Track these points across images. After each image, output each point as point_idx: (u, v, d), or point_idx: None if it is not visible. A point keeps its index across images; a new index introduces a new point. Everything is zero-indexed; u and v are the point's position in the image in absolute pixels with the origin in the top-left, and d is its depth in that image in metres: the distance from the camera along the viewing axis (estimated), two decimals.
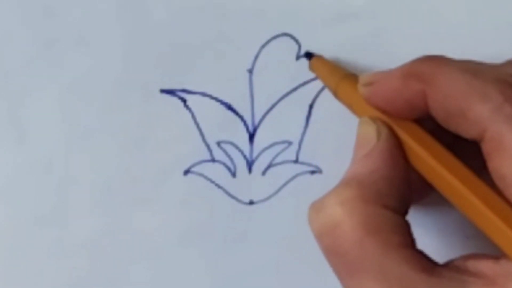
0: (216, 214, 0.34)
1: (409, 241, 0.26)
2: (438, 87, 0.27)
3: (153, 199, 0.34)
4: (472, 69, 0.27)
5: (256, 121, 0.33)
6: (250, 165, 0.34)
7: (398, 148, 0.28)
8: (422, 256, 0.26)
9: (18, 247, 0.33)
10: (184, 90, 0.33)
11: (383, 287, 0.25)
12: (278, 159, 0.34)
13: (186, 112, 0.33)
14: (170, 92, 0.33)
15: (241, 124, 0.34)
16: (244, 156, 0.34)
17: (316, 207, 0.27)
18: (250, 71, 0.33)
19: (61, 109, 0.33)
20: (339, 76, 0.31)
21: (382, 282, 0.25)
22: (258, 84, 0.33)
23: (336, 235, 0.26)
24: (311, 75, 0.33)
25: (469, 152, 0.27)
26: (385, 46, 0.33)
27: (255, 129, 0.34)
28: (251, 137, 0.34)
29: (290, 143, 0.34)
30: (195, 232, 0.34)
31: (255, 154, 0.34)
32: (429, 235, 0.34)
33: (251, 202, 0.34)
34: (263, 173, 0.34)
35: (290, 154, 0.34)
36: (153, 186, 0.33)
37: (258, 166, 0.34)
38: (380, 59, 0.33)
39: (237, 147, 0.34)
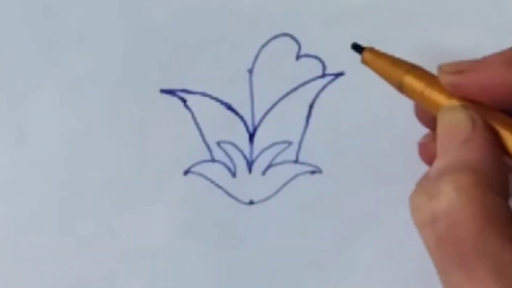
0: (216, 214, 0.34)
1: None
2: None
3: (153, 199, 0.34)
4: None
5: (256, 121, 0.33)
6: (250, 165, 0.34)
7: (494, 136, 0.27)
8: None
9: (18, 247, 0.33)
10: (184, 90, 0.33)
11: (497, 280, 0.24)
12: (278, 159, 0.34)
13: (186, 112, 0.33)
14: (170, 92, 0.33)
15: (241, 124, 0.34)
16: (244, 156, 0.34)
17: (428, 193, 0.26)
18: (250, 71, 0.33)
19: (61, 109, 0.33)
20: (404, 69, 0.30)
21: (498, 275, 0.24)
22: (258, 84, 0.33)
23: (453, 223, 0.25)
24: (311, 75, 0.33)
25: None
26: (385, 46, 0.33)
27: (255, 129, 0.34)
28: (251, 137, 0.34)
29: (290, 143, 0.34)
30: (195, 232, 0.34)
31: (255, 154, 0.34)
32: None
33: (251, 202, 0.34)
34: (263, 173, 0.34)
35: (290, 154, 0.34)
36: (153, 186, 0.33)
37: (258, 166, 0.34)
38: None
39: (237, 147, 0.34)
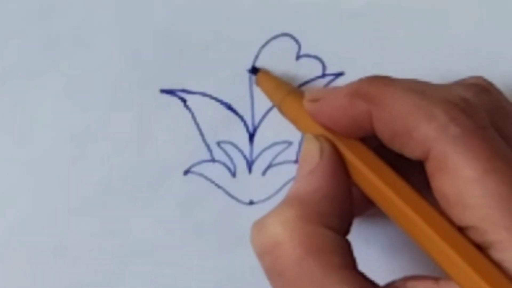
0: (216, 214, 0.34)
1: (350, 261, 0.27)
2: (384, 107, 0.27)
3: (153, 199, 0.34)
4: (418, 89, 0.27)
5: (256, 121, 0.34)
6: (250, 165, 0.34)
7: (341, 166, 0.28)
8: (362, 278, 0.26)
9: (18, 246, 0.33)
10: (184, 90, 0.33)
11: None
12: (278, 159, 0.34)
13: (186, 112, 0.33)
14: (170, 92, 0.33)
15: (241, 124, 0.34)
16: (244, 156, 0.34)
17: (258, 226, 0.27)
18: (250, 71, 0.33)
19: (61, 109, 0.33)
20: (284, 92, 0.31)
21: None
22: None
23: (276, 255, 0.26)
24: (311, 75, 0.33)
25: (412, 171, 0.27)
26: (385, 46, 0.33)
27: (255, 129, 0.34)
28: (251, 137, 0.34)
29: (290, 143, 0.34)
30: (195, 232, 0.34)
31: (255, 154, 0.34)
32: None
33: (251, 202, 0.34)
34: (263, 173, 0.34)
35: (290, 154, 0.34)
36: (153, 186, 0.33)
37: (258, 166, 0.34)
38: (380, 59, 0.33)
39: (237, 147, 0.34)
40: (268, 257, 0.27)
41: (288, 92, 0.31)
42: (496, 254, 0.24)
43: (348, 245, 0.27)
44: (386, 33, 0.33)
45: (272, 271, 0.26)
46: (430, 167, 0.26)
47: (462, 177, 0.25)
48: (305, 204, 0.27)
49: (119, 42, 0.32)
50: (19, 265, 0.33)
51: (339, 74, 0.33)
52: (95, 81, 0.33)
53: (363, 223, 0.34)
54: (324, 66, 0.33)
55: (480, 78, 0.29)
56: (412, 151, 0.26)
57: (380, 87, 0.27)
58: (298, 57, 0.33)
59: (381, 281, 0.27)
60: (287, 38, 0.33)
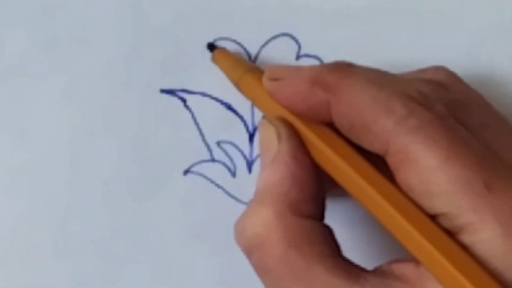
0: (216, 214, 0.34)
1: (333, 249, 0.27)
2: (342, 98, 0.26)
3: (153, 199, 0.34)
4: (377, 81, 0.26)
5: (256, 121, 0.34)
6: (250, 165, 0.34)
7: (301, 148, 0.27)
8: (347, 264, 0.26)
9: (18, 246, 0.33)
10: (184, 90, 0.33)
11: None
12: None
13: (186, 112, 0.33)
14: (170, 92, 0.33)
15: (241, 124, 0.34)
16: (244, 156, 0.34)
17: (239, 228, 0.28)
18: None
19: (61, 109, 0.33)
20: (242, 69, 0.31)
21: None
22: None
23: (261, 254, 0.26)
24: None
25: (374, 162, 0.27)
26: (385, 46, 0.33)
27: (255, 129, 0.34)
28: (251, 137, 0.34)
29: None
30: (195, 232, 0.34)
31: (255, 154, 0.34)
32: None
33: None
34: None
35: None
36: (153, 186, 0.33)
37: (258, 166, 0.34)
38: (380, 59, 0.33)
39: (237, 147, 0.34)
40: (253, 257, 0.27)
41: (246, 70, 0.30)
42: (468, 238, 0.24)
43: (329, 232, 0.27)
44: (386, 33, 0.33)
45: (260, 270, 0.27)
46: (392, 161, 0.25)
47: (425, 166, 0.24)
48: (276, 198, 0.27)
49: (119, 42, 0.32)
50: (19, 265, 0.33)
51: None
52: (95, 81, 0.33)
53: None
54: None
55: (441, 69, 0.29)
56: (370, 144, 0.26)
57: (340, 77, 0.27)
58: (298, 57, 0.33)
59: (368, 266, 0.27)
60: (287, 38, 0.33)
